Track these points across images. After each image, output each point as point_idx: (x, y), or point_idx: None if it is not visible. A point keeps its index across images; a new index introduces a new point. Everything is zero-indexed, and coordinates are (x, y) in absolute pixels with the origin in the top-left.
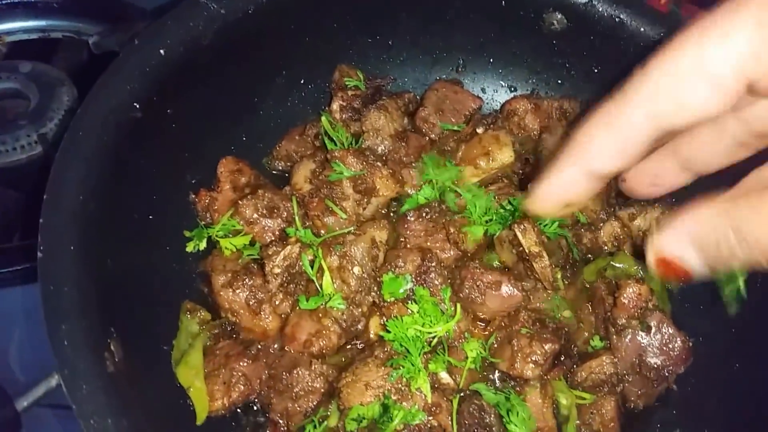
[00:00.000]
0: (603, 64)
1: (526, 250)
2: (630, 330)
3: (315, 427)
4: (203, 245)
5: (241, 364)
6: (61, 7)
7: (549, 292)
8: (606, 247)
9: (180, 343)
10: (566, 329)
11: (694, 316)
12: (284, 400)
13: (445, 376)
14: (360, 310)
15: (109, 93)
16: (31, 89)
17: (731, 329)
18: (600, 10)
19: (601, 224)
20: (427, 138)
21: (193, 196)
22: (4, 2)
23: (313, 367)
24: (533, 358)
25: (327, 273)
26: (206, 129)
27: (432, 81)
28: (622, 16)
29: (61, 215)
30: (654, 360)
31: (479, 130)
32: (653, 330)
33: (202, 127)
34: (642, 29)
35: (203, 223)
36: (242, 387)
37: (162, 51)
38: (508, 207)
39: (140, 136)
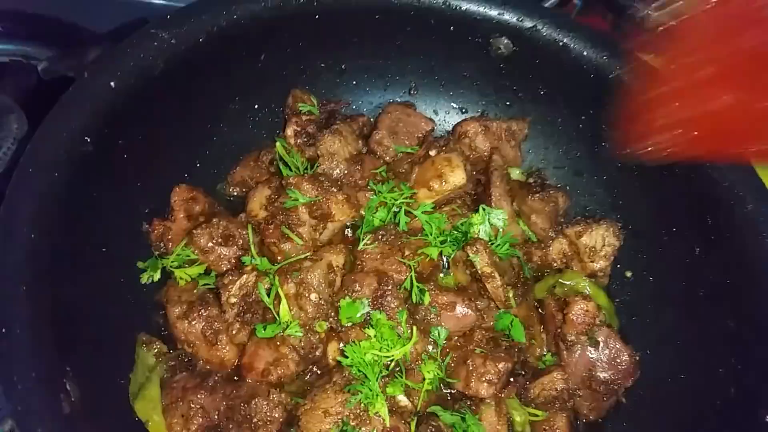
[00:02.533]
0: (549, 86)
1: (479, 271)
2: (579, 346)
3: None
4: (158, 276)
5: (198, 396)
6: (8, 31)
7: (501, 310)
8: (555, 264)
9: (137, 377)
10: (518, 347)
11: (641, 331)
12: (243, 431)
13: (402, 399)
14: (317, 336)
15: (59, 128)
16: None
17: (677, 342)
18: (544, 34)
19: (550, 242)
20: (382, 160)
21: (147, 225)
22: None
23: (271, 397)
24: (488, 378)
25: (284, 300)
26: (159, 158)
27: (385, 104)
28: (565, 40)
29: (13, 255)
30: (603, 374)
31: (432, 153)
32: (601, 345)
33: (155, 155)
34: (585, 52)
35: (157, 253)
36: (200, 419)
37: (112, 83)
38: (462, 228)
39: (92, 169)
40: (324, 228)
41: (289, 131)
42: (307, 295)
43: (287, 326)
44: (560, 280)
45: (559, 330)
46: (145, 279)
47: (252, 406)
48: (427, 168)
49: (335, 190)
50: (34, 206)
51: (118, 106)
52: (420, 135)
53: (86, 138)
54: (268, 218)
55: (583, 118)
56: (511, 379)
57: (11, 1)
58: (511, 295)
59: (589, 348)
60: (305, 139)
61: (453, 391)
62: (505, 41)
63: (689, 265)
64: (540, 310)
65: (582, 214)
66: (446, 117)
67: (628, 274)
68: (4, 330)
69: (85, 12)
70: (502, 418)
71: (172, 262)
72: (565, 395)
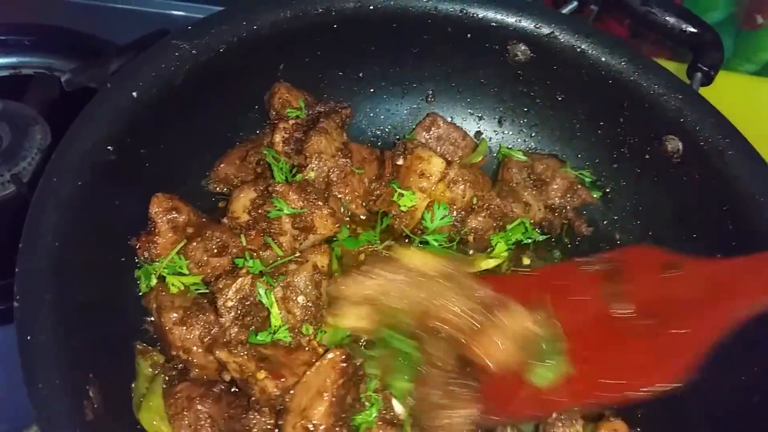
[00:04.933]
0: (566, 93)
1: None
2: None
3: None
4: (154, 282)
5: (205, 405)
6: (32, 44)
7: None
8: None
9: (138, 387)
10: None
11: None
12: None
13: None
14: (306, 339)
15: (82, 137)
16: (3, 129)
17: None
18: (562, 41)
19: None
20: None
21: (135, 241)
22: None
23: (264, 411)
24: None
25: (274, 305)
26: (180, 166)
27: (402, 111)
28: (583, 46)
29: (37, 263)
30: None
31: (399, 162)
32: None
33: (176, 164)
34: (603, 58)
35: (144, 260)
36: (209, 428)
37: (135, 93)
38: None
39: (115, 178)
40: (304, 239)
41: (278, 138)
42: (294, 298)
43: (276, 331)
44: None
45: None
46: (143, 288)
47: (250, 417)
48: (406, 175)
49: (321, 203)
50: (58, 215)
51: (140, 115)
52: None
53: (109, 147)
54: (250, 223)
55: (601, 123)
56: None
57: (35, 14)
58: None
59: None
60: (293, 146)
61: None
62: (523, 48)
63: None
64: None
65: (600, 222)
66: (463, 124)
67: None
68: (29, 338)
69: (107, 25)
70: None
71: (165, 269)
72: None
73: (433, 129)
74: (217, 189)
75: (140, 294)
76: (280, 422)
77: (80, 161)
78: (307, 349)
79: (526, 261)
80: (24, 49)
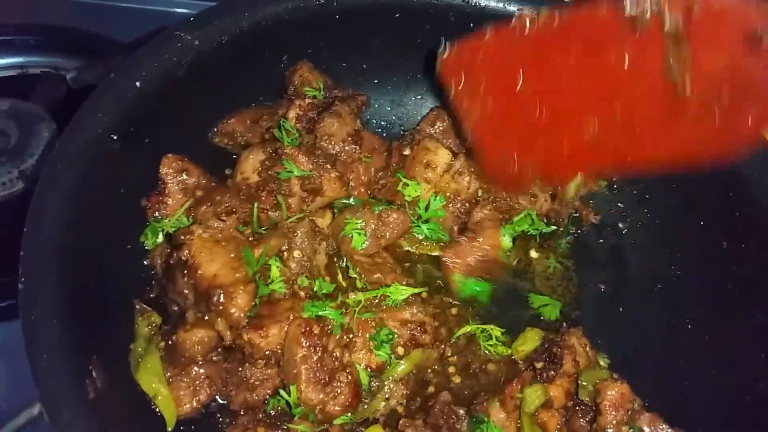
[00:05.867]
0: None
1: None
2: None
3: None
4: (161, 238)
5: (202, 367)
6: (39, 44)
7: None
8: None
9: (136, 348)
10: None
11: (668, 325)
12: (242, 392)
13: None
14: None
15: (86, 126)
16: (11, 126)
17: (705, 336)
18: None
19: None
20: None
21: (146, 201)
22: None
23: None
24: None
25: (273, 260)
26: (184, 155)
27: (407, 102)
28: None
29: (41, 248)
30: None
31: (406, 152)
32: None
33: (180, 153)
34: None
35: (154, 218)
36: (208, 389)
37: (138, 83)
38: None
39: (118, 166)
40: (312, 201)
41: (291, 114)
42: (291, 252)
43: (272, 281)
44: (581, 382)
45: (594, 426)
46: (149, 244)
47: (247, 367)
48: (412, 165)
49: (329, 167)
50: (62, 202)
51: (143, 105)
52: None
53: (113, 136)
54: (260, 184)
55: None
56: None
57: (41, 14)
58: None
59: None
60: (305, 124)
61: None
62: None
63: (717, 259)
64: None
65: (608, 210)
66: None
67: (656, 270)
68: (33, 318)
69: (112, 23)
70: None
71: (172, 226)
72: None
73: (438, 123)
74: (221, 142)
75: (146, 249)
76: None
77: (84, 150)
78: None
79: (534, 255)
80: (30, 48)
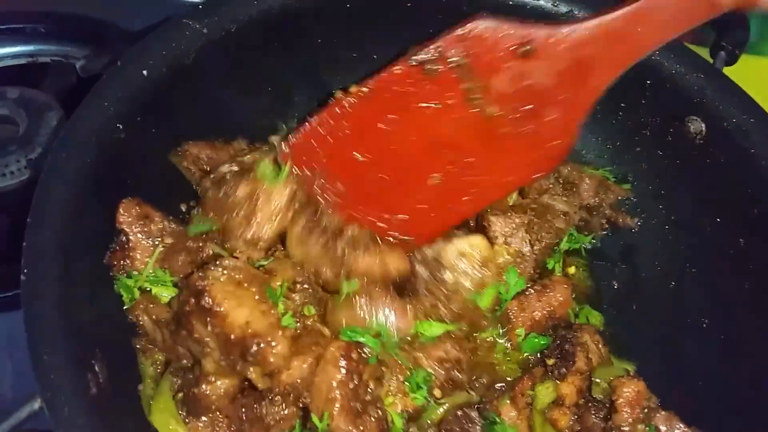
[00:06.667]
0: None
1: None
2: None
3: None
4: (137, 294)
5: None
6: (49, 32)
7: None
8: None
9: (146, 389)
10: None
11: (682, 324)
12: (257, 431)
13: None
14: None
15: (92, 114)
16: (20, 115)
17: (720, 336)
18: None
19: None
20: None
21: (109, 258)
22: None
23: (276, 399)
24: None
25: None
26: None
27: None
28: None
29: (45, 238)
30: None
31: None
32: (664, 431)
33: (184, 145)
34: None
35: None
36: (227, 429)
37: (144, 72)
38: None
39: (124, 155)
40: None
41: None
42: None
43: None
44: (595, 379)
45: (609, 423)
46: (127, 302)
47: (264, 405)
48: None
49: None
50: (67, 191)
51: (150, 94)
52: None
53: (119, 125)
54: None
55: (622, 105)
56: None
57: (52, 2)
58: None
59: None
60: None
61: None
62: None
63: (733, 257)
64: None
65: (623, 205)
66: None
67: (670, 267)
68: (35, 309)
69: (122, 12)
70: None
71: (146, 281)
72: None
73: None
74: (180, 164)
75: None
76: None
77: (89, 138)
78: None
79: (572, 270)
80: (40, 37)
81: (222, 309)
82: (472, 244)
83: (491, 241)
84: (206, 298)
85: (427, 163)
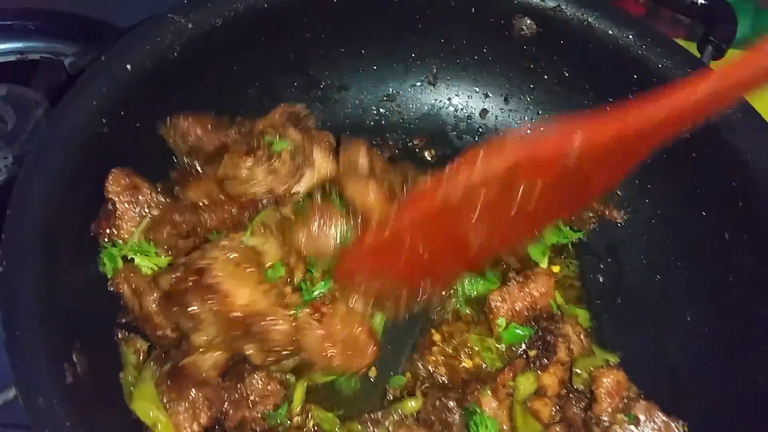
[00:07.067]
0: (574, 68)
1: None
2: (617, 427)
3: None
4: (120, 264)
5: (200, 389)
6: (38, 29)
7: None
8: None
9: (127, 377)
10: None
11: (667, 319)
12: (240, 410)
13: None
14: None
15: (75, 109)
16: (7, 112)
17: (704, 329)
18: (568, 14)
19: None
20: None
21: (96, 227)
22: None
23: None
24: None
25: None
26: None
27: (407, 89)
28: (590, 20)
29: (24, 230)
30: None
31: None
32: (643, 420)
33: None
34: (610, 31)
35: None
36: (208, 411)
37: (128, 66)
38: None
39: (106, 150)
40: (300, 178)
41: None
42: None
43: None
44: (575, 370)
45: (588, 414)
46: (108, 271)
47: (246, 383)
48: None
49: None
50: (47, 185)
51: (133, 89)
52: None
53: (102, 119)
54: None
55: (610, 100)
56: None
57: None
58: None
59: (629, 427)
60: None
61: None
62: (528, 22)
63: (718, 251)
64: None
65: (611, 199)
66: (468, 102)
67: (656, 261)
68: (12, 299)
69: (112, 9)
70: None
71: (131, 250)
72: None
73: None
74: (167, 137)
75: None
76: None
77: (71, 133)
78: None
79: (556, 269)
80: (29, 34)
81: (224, 287)
82: None
83: None
84: (209, 276)
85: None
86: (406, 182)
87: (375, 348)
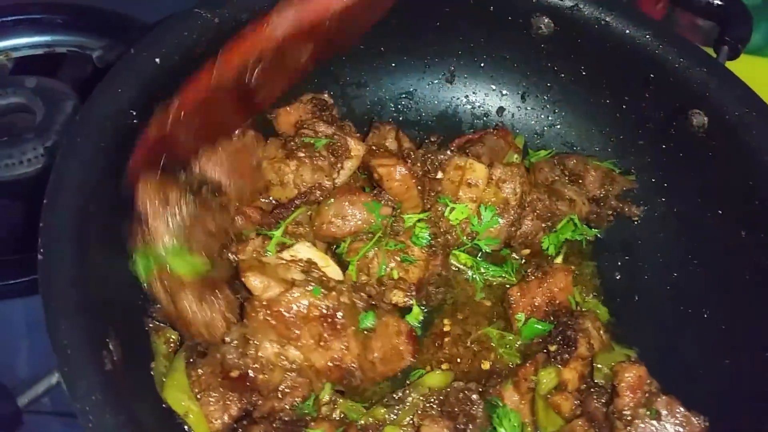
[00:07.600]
0: (591, 67)
1: None
2: (639, 421)
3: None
4: (153, 266)
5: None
6: (66, 23)
7: None
8: None
9: (158, 367)
10: None
11: (684, 318)
12: (270, 401)
13: None
14: None
15: (106, 100)
16: (37, 103)
17: (721, 326)
18: (586, 13)
19: None
20: None
21: (128, 229)
22: (9, 19)
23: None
24: None
25: None
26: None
27: (424, 86)
28: (607, 19)
29: (61, 217)
30: None
31: (439, 176)
32: (665, 415)
33: None
34: (627, 31)
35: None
36: (238, 403)
37: (157, 60)
38: None
39: (136, 141)
40: (341, 168)
41: None
42: None
43: None
44: (596, 365)
45: (610, 408)
46: (143, 274)
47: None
48: (451, 189)
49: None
50: (82, 173)
51: (162, 82)
52: None
53: (132, 111)
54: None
55: (626, 98)
56: None
57: None
58: None
59: (650, 422)
60: None
61: None
62: (546, 21)
63: (735, 248)
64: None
65: (626, 197)
66: (486, 99)
67: (672, 259)
68: (52, 287)
69: (138, 3)
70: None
71: (164, 252)
72: None
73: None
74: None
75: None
76: None
77: (102, 123)
78: None
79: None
80: (57, 27)
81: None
82: (472, 164)
83: (489, 176)
84: (254, 280)
85: None
86: (432, 164)
87: (414, 348)
